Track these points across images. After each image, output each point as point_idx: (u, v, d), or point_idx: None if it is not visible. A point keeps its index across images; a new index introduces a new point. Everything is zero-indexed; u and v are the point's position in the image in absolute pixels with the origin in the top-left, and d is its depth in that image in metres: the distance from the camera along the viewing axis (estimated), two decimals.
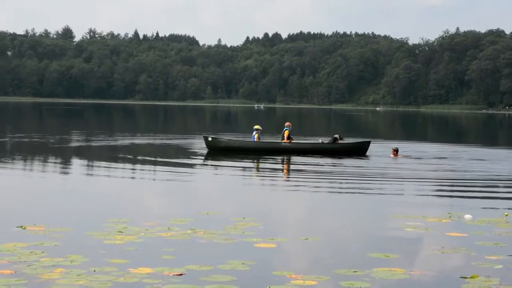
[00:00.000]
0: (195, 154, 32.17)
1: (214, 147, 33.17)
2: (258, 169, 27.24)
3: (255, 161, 29.62)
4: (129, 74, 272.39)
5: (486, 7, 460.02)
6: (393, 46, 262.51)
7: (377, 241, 13.04)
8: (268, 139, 37.15)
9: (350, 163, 29.04)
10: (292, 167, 28.25)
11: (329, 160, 29.99)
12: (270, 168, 27.46)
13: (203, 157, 30.55)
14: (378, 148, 36.05)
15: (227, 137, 38.64)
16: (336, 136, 33.32)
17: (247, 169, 27.15)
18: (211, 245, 12.16)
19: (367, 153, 32.72)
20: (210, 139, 33.52)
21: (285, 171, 27.31)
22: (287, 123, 34.03)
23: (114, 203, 17.40)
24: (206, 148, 33.47)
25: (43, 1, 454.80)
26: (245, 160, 29.67)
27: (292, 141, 33.17)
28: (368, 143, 33.20)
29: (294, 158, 30.75)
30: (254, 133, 33.54)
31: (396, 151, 32.13)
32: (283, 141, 33.10)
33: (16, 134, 45.58)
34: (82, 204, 17.08)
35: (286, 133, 33.21)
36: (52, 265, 10.37)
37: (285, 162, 29.75)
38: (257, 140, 33.27)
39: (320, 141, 34.05)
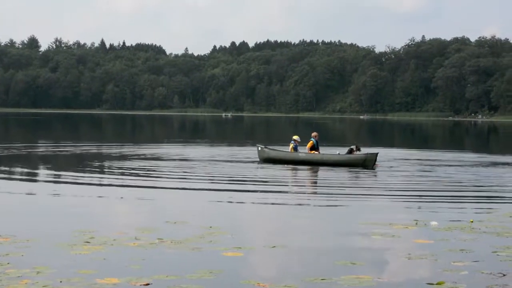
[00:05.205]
0: (164, 163, 32.04)
1: (261, 157, 33.81)
2: (229, 178, 26.88)
3: (231, 169, 29.51)
4: (95, 83, 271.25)
5: (451, 15, 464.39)
6: (360, 54, 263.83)
7: (344, 248, 13.09)
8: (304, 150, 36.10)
9: (322, 173, 29.15)
10: (267, 177, 28.05)
11: (305, 172, 30.01)
12: (242, 178, 27.27)
13: (173, 166, 30.39)
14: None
15: (279, 148, 37.81)
16: (352, 147, 33.36)
17: (216, 178, 26.92)
18: (178, 255, 12.13)
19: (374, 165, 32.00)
20: (259, 148, 34.24)
21: (255, 180, 27.12)
22: (313, 134, 34.28)
23: (81, 213, 17.23)
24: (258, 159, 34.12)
25: (8, 11, 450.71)
26: (218, 169, 29.52)
27: (313, 152, 33.01)
28: (376, 155, 32.77)
29: (275, 168, 30.72)
30: (291, 143, 34.05)
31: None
32: (309, 151, 33.16)
33: None
34: (49, 214, 16.98)
35: (309, 144, 33.37)
36: (18, 276, 10.28)
37: (261, 172, 29.53)
38: (291, 150, 33.61)
39: (337, 152, 33.90)
